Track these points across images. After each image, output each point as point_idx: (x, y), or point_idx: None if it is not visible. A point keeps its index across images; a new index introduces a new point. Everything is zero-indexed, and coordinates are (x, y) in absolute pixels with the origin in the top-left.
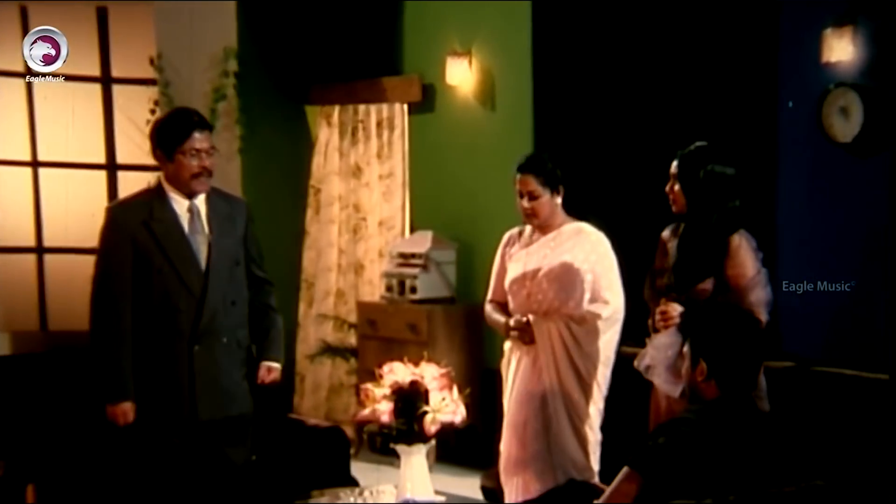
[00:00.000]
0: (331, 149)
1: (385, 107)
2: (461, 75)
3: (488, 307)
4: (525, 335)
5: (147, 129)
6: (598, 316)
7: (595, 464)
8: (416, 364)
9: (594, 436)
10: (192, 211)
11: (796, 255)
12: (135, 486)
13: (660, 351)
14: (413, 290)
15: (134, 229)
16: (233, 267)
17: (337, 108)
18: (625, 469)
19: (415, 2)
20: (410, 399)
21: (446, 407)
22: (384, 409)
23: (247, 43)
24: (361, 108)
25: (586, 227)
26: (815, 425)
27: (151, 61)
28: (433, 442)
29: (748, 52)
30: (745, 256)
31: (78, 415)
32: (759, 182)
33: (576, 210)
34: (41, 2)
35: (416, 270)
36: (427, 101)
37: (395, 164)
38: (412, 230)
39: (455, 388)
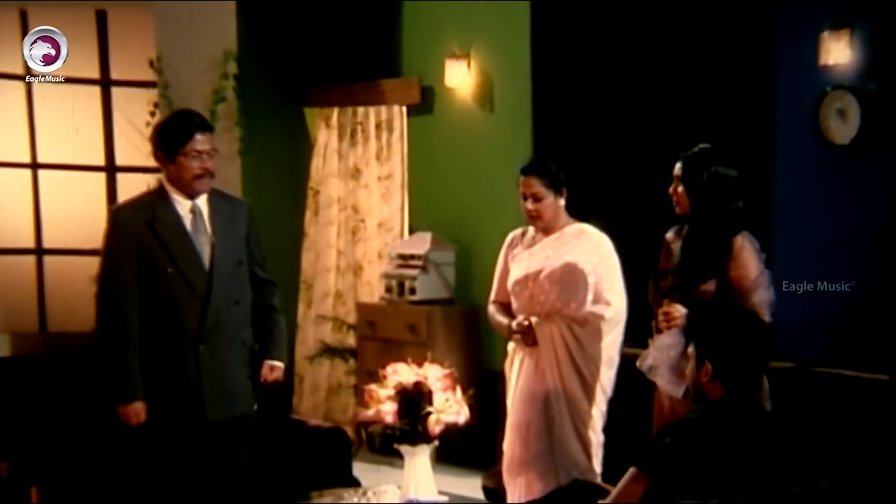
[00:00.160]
0: (330, 150)
1: (384, 109)
2: (460, 77)
3: (491, 308)
4: (527, 337)
5: (146, 132)
6: (600, 317)
7: (597, 465)
8: (420, 365)
9: (596, 437)
10: (195, 212)
11: (793, 256)
12: (139, 487)
13: (662, 351)
14: (412, 291)
15: (138, 231)
16: (236, 267)
17: (336, 111)
18: (632, 469)
19: (414, 3)
20: (414, 400)
21: (450, 408)
22: (388, 410)
23: (246, 45)
24: (360, 110)
25: (588, 229)
26: (815, 426)
27: (151, 64)
28: (436, 442)
29: (746, 54)
30: (749, 258)
31: (79, 416)
32: (756, 184)
33: (574, 211)
34: (41, 4)
35: (415, 272)
36: (426, 103)
37: (394, 166)
38: (411, 232)
39: (458, 389)
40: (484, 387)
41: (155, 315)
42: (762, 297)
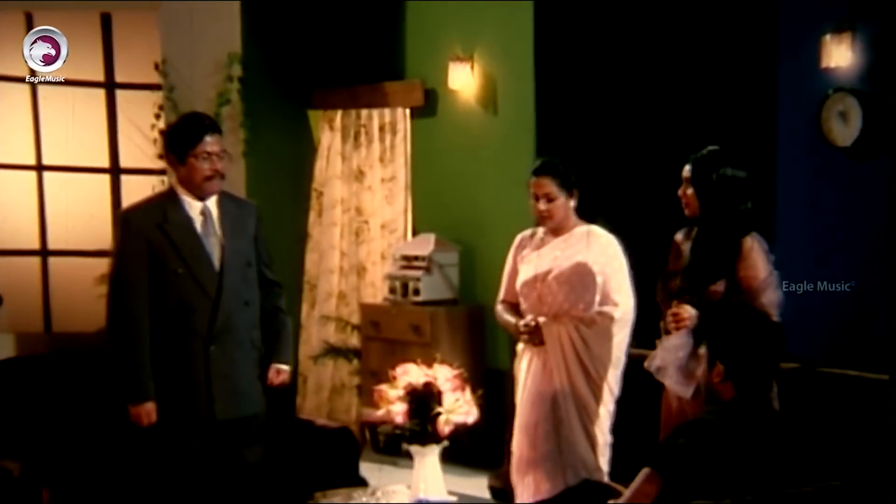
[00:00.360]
0: (333, 153)
1: (387, 111)
2: (463, 80)
3: (499, 307)
4: (535, 337)
5: (151, 134)
6: (608, 318)
7: (605, 465)
8: (429, 365)
9: (604, 437)
10: (205, 213)
11: (795, 257)
12: (150, 487)
13: (670, 352)
14: (416, 292)
15: (148, 232)
16: (245, 268)
17: (339, 113)
18: (645, 470)
19: (417, 5)
20: (424, 400)
21: (460, 408)
22: (398, 411)
23: (251, 48)
24: (364, 112)
25: (596, 230)
26: (821, 426)
27: (156, 66)
28: (446, 442)
29: (748, 56)
30: (758, 258)
31: (88, 416)
32: (758, 185)
33: (581, 214)
34: (46, 7)
35: (419, 273)
36: (429, 105)
37: (398, 168)
38: (414, 233)
39: (468, 389)
40: (488, 387)
41: (166, 316)
42: (771, 298)
